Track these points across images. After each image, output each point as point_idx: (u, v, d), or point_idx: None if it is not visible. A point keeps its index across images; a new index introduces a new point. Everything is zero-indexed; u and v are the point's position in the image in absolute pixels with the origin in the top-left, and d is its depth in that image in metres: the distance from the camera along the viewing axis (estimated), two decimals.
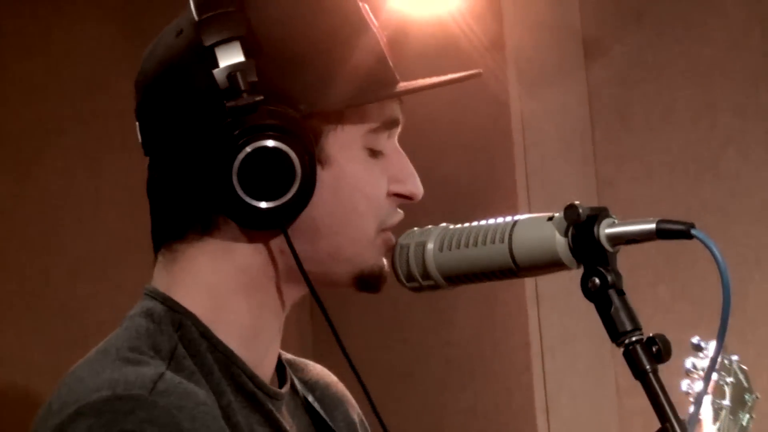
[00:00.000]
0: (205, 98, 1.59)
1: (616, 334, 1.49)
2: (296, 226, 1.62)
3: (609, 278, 1.50)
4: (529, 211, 1.59)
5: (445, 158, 3.81)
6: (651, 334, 1.49)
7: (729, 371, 2.10)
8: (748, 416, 2.10)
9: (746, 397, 2.11)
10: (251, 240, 1.64)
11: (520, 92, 3.75)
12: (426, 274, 1.63)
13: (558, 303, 3.71)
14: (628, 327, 1.48)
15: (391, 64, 1.68)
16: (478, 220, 1.62)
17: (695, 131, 3.82)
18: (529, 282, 3.66)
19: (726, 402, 2.07)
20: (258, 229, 1.62)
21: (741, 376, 2.12)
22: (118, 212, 3.63)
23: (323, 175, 1.62)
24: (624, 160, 3.88)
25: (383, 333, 3.87)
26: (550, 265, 1.55)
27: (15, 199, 3.58)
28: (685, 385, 2.04)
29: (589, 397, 3.75)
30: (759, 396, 2.13)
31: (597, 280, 1.51)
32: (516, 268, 1.57)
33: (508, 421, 3.71)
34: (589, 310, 3.90)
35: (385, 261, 1.68)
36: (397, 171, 1.68)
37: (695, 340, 2.10)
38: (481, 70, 1.72)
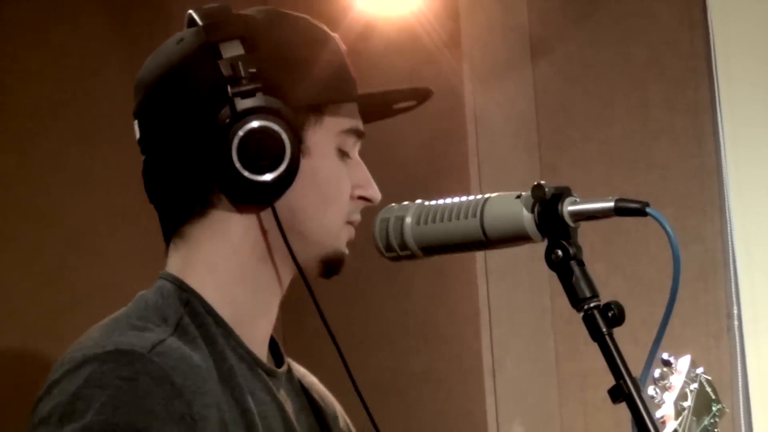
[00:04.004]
0: (209, 85, 1.64)
1: (576, 301, 1.50)
2: (277, 206, 1.65)
3: (571, 250, 1.52)
4: (481, 194, 1.61)
5: (404, 145, 3.81)
6: (608, 301, 1.50)
7: (693, 380, 2.10)
8: (712, 421, 2.09)
9: (713, 406, 2.10)
10: (242, 216, 1.68)
11: (473, 86, 3.76)
12: (404, 245, 1.64)
13: (505, 277, 3.73)
14: (588, 294, 1.50)
15: (355, 79, 1.76)
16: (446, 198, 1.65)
17: (630, 124, 3.84)
18: (479, 257, 3.67)
19: (688, 404, 2.06)
20: (248, 202, 1.66)
21: (707, 387, 2.11)
22: (108, 189, 3.62)
23: (303, 164, 1.67)
24: (566, 149, 3.90)
25: (346, 303, 3.87)
26: (518, 238, 1.57)
27: (13, 176, 3.57)
28: (651, 390, 2.02)
29: (531, 362, 3.77)
30: (726, 408, 2.13)
31: (560, 252, 1.52)
32: (486, 241, 1.59)
33: (459, 382, 3.73)
34: (532, 283, 3.93)
35: (346, 249, 1.74)
36: (360, 178, 1.74)
37: (665, 356, 2.09)
38: (432, 90, 1.85)
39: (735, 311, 3.70)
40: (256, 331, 1.70)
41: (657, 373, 1.91)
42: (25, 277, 3.56)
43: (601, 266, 3.69)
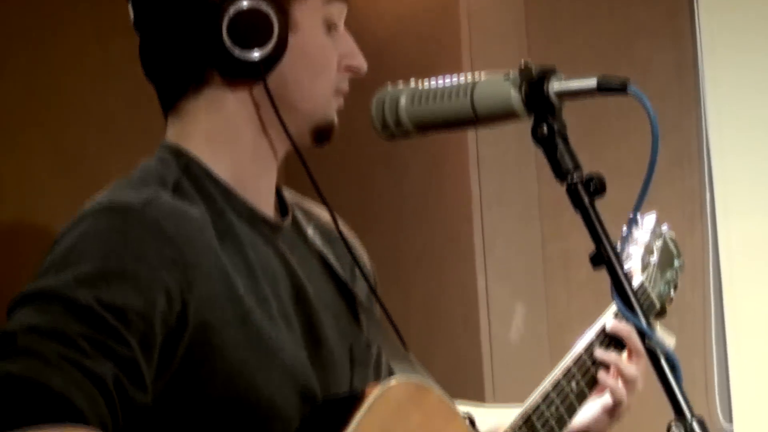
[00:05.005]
0: None
1: (560, 173, 1.48)
2: (268, 80, 1.63)
3: (555, 126, 1.49)
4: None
5: (400, 45, 3.77)
6: (589, 173, 1.48)
7: (658, 236, 2.09)
8: (674, 274, 2.09)
9: (674, 261, 2.10)
10: (236, 92, 1.65)
11: None
12: (398, 123, 1.61)
13: (496, 164, 3.71)
14: (571, 167, 1.48)
15: None
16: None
17: (613, 23, 3.80)
18: (471, 146, 3.65)
19: (654, 258, 2.05)
20: (240, 77, 1.64)
21: (670, 243, 2.10)
22: (124, 80, 3.56)
23: (291, 39, 1.64)
24: (552, 44, 3.86)
25: (346, 189, 3.85)
26: (506, 115, 1.54)
27: (38, 68, 3.55)
28: (618, 245, 2.01)
29: (518, 243, 3.77)
30: (684, 262, 2.12)
31: (545, 128, 1.49)
32: (476, 118, 1.56)
33: (452, 262, 3.73)
34: (521, 171, 3.91)
35: (336, 118, 1.71)
36: (347, 48, 1.71)
37: (631, 214, 2.08)
38: None
39: (708, 197, 3.71)
40: (255, 191, 1.68)
41: (624, 230, 1.91)
42: (49, 162, 3.55)
43: (584, 157, 3.65)
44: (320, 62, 1.68)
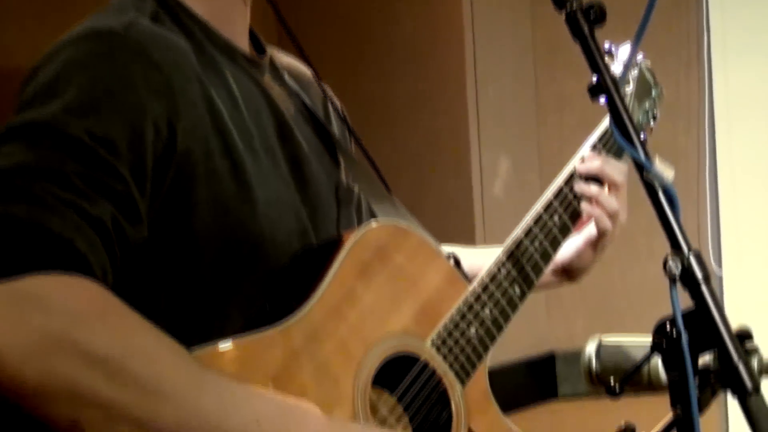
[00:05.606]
0: None
1: (559, 1, 1.41)
2: None
3: None
4: None
5: None
6: (589, 0, 1.41)
7: (633, 66, 2.03)
8: (653, 103, 2.04)
9: (652, 90, 2.04)
10: None
11: None
12: None
13: (490, 6, 3.64)
14: None
15: None
16: None
17: None
18: None
19: (630, 88, 2.00)
20: None
21: (646, 72, 2.05)
22: None
23: None
24: None
25: (339, 33, 3.78)
26: None
27: None
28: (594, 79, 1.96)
29: (512, 87, 3.74)
30: (663, 88, 2.07)
31: None
32: None
33: (444, 106, 3.67)
34: (515, 13, 3.81)
35: None
36: None
37: (606, 45, 2.01)
38: None
39: (705, 40, 3.67)
40: (231, 29, 1.62)
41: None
42: (52, 27, 3.47)
43: None
44: None
